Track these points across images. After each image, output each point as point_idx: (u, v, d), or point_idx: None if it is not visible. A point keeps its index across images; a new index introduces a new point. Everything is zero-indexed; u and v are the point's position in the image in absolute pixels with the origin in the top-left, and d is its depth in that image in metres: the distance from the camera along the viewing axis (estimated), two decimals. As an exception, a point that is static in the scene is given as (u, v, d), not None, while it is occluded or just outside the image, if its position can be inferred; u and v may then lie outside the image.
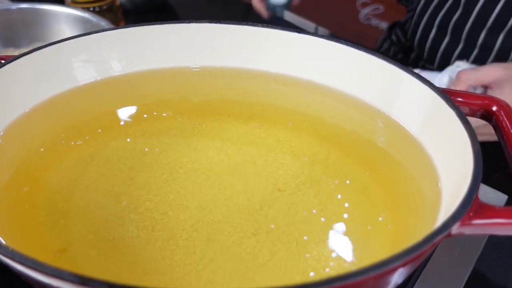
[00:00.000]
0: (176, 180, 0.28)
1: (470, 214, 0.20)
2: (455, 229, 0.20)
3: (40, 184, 0.27)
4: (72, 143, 0.29)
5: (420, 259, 0.21)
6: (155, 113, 0.31)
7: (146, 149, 0.30)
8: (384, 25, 1.80)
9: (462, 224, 0.20)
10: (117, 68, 0.30)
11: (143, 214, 0.26)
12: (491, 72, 0.45)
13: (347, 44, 0.30)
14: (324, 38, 0.30)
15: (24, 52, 0.27)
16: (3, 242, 0.22)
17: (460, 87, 0.45)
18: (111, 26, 0.51)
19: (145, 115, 0.31)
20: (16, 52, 0.55)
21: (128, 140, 0.29)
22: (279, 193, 0.28)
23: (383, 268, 0.18)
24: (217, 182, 0.28)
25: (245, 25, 0.31)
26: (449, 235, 0.20)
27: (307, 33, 0.31)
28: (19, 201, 0.26)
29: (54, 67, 0.28)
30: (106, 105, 0.30)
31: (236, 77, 0.32)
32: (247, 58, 0.32)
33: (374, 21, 1.82)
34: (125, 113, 0.30)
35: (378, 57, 0.29)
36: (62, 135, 0.28)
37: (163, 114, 0.30)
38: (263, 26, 0.31)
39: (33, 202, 0.26)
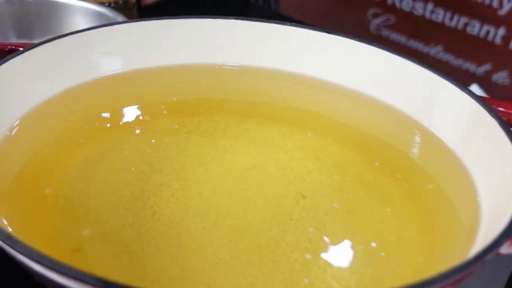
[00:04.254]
0: (196, 182, 0.27)
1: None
2: (505, 247, 0.18)
3: (52, 178, 0.26)
4: (89, 136, 0.27)
5: (464, 279, 0.19)
6: (173, 111, 0.30)
7: (167, 148, 0.28)
8: (395, 36, 1.79)
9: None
10: (138, 62, 0.29)
11: (159, 216, 0.25)
12: None
13: (380, 47, 0.28)
14: (355, 40, 0.29)
15: (43, 41, 0.26)
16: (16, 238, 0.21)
17: None
18: (125, 19, 0.49)
19: (165, 112, 0.29)
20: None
21: (147, 136, 0.28)
22: (302, 199, 0.27)
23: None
24: (237, 185, 0.27)
25: (272, 23, 0.30)
26: (498, 254, 0.19)
27: (337, 34, 0.30)
28: (29, 195, 0.25)
29: (73, 57, 0.27)
30: (126, 99, 0.29)
31: (259, 77, 0.31)
32: (271, 57, 0.31)
33: (385, 32, 1.81)
34: (146, 108, 0.29)
35: (413, 62, 0.28)
36: (79, 128, 0.27)
37: (184, 112, 0.29)
38: (290, 25, 0.30)
39: (44, 196, 0.25)
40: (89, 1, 0.55)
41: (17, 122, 0.24)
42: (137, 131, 0.28)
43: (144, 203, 0.25)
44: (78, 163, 0.26)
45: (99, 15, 0.53)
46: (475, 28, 1.42)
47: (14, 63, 0.24)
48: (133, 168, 0.27)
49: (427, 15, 1.49)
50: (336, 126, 0.29)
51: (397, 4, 1.54)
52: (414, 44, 1.56)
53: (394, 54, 0.28)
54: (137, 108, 0.29)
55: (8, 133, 0.24)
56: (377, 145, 0.28)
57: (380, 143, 0.28)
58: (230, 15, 0.80)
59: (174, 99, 0.29)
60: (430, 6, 1.47)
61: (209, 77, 0.30)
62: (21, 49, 0.26)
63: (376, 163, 0.27)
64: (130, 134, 0.28)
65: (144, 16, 0.68)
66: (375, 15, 1.63)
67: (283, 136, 0.29)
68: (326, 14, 1.68)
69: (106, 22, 0.51)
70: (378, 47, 0.29)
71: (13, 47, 0.26)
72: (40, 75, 0.26)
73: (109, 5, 0.58)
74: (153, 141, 0.28)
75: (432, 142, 0.27)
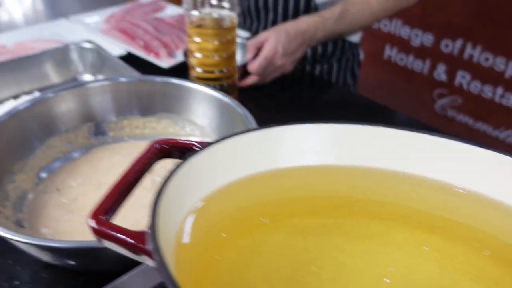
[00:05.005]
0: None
1: None
2: None
3: (211, 276, 0.27)
4: (243, 230, 0.29)
5: None
6: (321, 210, 0.31)
7: (306, 248, 0.29)
8: (461, 117, 1.77)
9: None
10: (312, 160, 0.31)
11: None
12: (263, 34, 0.76)
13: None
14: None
15: (223, 136, 0.29)
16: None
17: (251, 52, 0.75)
18: (239, 105, 0.53)
19: (310, 210, 0.31)
20: (141, 120, 0.59)
21: (294, 236, 0.29)
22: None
23: None
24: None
25: (428, 134, 0.31)
26: None
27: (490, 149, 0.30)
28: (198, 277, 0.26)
29: (254, 150, 0.30)
30: (284, 195, 0.31)
31: (412, 184, 0.32)
32: (429, 166, 0.31)
33: (451, 113, 1.80)
34: (300, 206, 0.31)
35: None
36: (237, 221, 0.29)
37: (333, 212, 0.31)
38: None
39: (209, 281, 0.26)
40: (198, 83, 0.60)
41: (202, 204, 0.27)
42: (288, 228, 0.30)
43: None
44: (231, 260, 0.28)
45: (211, 97, 0.58)
46: (548, 115, 1.39)
47: (197, 159, 0.27)
48: (281, 270, 0.27)
49: (497, 99, 1.48)
50: (500, 244, 0.29)
51: (465, 86, 1.54)
52: (482, 126, 1.54)
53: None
54: (290, 204, 0.31)
55: (181, 223, 0.26)
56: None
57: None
58: (315, 96, 0.83)
59: (325, 197, 0.31)
60: (500, 90, 1.47)
61: (356, 179, 0.32)
62: (197, 145, 0.30)
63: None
64: (279, 232, 0.29)
65: (243, 95, 0.73)
66: (441, 96, 1.64)
67: (437, 249, 0.28)
68: (395, 94, 1.72)
69: (215, 102, 0.56)
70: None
71: (190, 142, 0.29)
72: (222, 164, 0.29)
73: (215, 87, 0.63)
74: (298, 241, 0.29)
75: None
